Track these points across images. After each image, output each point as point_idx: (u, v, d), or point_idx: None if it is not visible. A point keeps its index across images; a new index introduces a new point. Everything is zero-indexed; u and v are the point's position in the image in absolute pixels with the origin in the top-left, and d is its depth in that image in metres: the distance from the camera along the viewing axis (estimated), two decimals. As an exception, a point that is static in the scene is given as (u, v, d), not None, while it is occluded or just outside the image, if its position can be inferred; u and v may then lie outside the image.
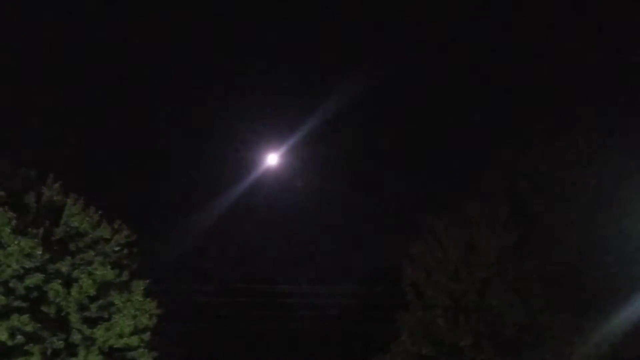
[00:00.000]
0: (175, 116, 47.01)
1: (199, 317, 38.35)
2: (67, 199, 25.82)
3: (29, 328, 23.48)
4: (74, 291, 24.55)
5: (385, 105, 49.52)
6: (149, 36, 48.35)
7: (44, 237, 24.60)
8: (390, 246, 38.64)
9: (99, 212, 26.06)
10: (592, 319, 28.31)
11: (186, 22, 51.70)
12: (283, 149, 40.88)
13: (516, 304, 28.60)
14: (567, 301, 28.89)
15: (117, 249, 25.99)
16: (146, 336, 25.49)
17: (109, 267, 25.29)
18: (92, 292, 24.79)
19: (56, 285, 24.32)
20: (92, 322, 24.90)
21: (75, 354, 24.61)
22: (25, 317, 23.41)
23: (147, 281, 25.98)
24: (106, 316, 25.12)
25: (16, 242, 23.76)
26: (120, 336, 25.05)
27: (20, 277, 24.09)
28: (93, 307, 24.85)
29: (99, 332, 24.75)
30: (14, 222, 23.96)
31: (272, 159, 41.22)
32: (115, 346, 25.08)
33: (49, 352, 24.07)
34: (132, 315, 25.32)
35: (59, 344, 24.13)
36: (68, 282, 24.69)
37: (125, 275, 25.59)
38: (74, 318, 24.57)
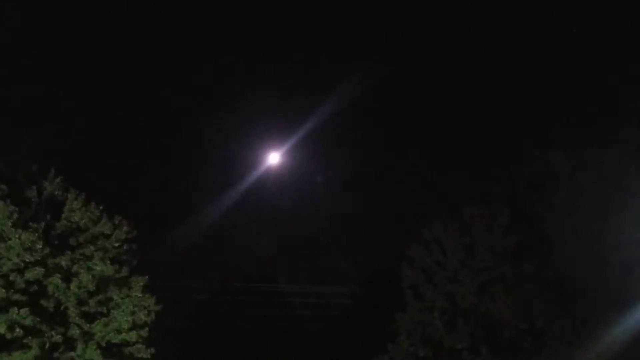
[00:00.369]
0: (176, 115, 47.06)
1: (198, 314, 38.40)
2: (68, 194, 25.90)
3: (28, 321, 23.56)
4: (73, 286, 24.62)
5: (385, 105, 49.63)
6: (150, 35, 48.55)
7: (45, 231, 24.68)
8: (390, 247, 38.73)
9: (100, 208, 26.13)
10: (591, 325, 28.27)
11: (187, 22, 51.84)
12: (284, 148, 40.90)
13: (514, 307, 28.60)
14: (566, 306, 28.88)
15: (117, 244, 26.04)
16: (144, 332, 25.51)
17: (109, 262, 25.34)
18: (92, 287, 24.84)
19: (56, 279, 24.36)
20: (90, 317, 24.96)
21: (73, 349, 24.72)
22: (24, 311, 23.48)
23: (146, 277, 26.02)
24: (105, 311, 25.17)
25: (17, 236, 23.84)
26: (119, 331, 25.11)
27: (20, 271, 24.20)
28: (92, 302, 24.90)
29: (97, 327, 24.82)
30: (15, 215, 24.00)
31: (274, 158, 41.22)
32: (113, 341, 25.12)
33: (47, 345, 24.17)
34: (131, 311, 25.39)
35: (58, 338, 24.23)
36: (67, 277, 24.75)
37: (124, 271, 25.64)
38: (73, 312, 24.63)
